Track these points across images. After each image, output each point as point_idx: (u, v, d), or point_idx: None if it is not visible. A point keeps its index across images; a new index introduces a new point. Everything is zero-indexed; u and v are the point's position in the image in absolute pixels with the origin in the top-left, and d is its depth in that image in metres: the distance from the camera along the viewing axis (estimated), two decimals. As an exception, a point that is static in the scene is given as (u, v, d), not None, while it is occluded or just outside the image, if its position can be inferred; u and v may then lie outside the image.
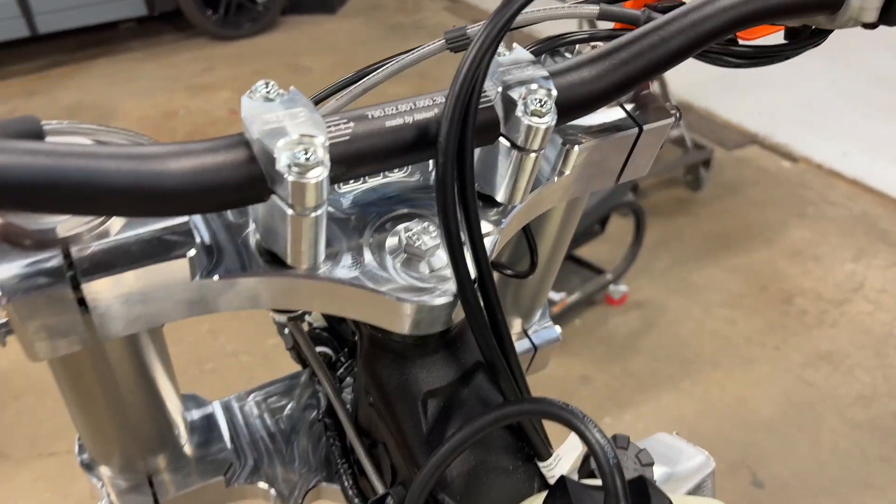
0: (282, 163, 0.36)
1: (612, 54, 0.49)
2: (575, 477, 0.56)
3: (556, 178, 0.56)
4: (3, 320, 0.41)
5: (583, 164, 0.56)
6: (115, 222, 0.40)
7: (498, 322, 0.49)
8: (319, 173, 0.36)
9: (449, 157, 0.43)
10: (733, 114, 3.90)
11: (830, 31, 0.62)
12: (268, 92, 0.39)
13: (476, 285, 0.47)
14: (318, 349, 0.72)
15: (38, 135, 0.35)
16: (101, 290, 0.39)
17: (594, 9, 0.55)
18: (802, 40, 0.63)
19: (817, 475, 2.10)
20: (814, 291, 2.77)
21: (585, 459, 0.57)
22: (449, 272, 0.47)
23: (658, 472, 0.61)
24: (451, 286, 0.47)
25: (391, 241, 0.48)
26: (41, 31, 4.15)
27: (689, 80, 3.79)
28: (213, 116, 3.77)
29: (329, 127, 0.41)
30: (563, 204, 0.67)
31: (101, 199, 0.32)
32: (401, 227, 0.49)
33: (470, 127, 0.43)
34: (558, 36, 0.58)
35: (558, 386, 2.31)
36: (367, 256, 0.47)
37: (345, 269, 0.46)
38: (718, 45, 0.56)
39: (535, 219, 0.62)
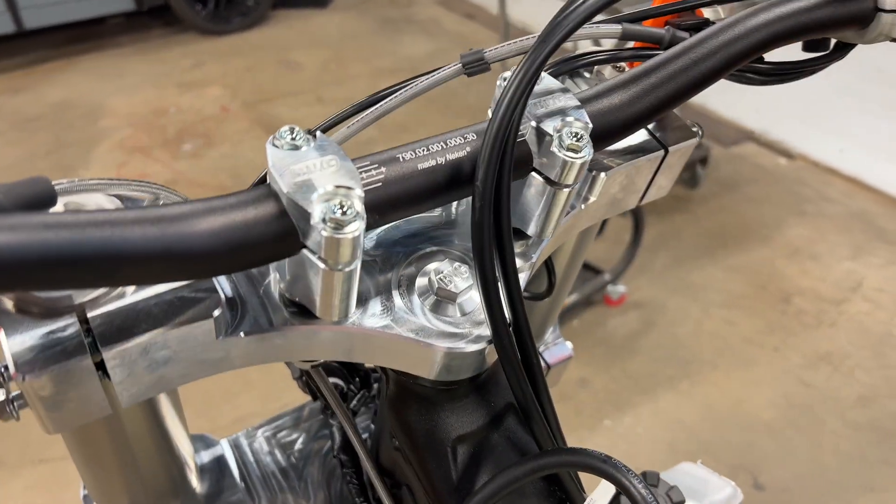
0: (316, 217, 0.33)
1: (642, 78, 0.46)
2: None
3: (582, 206, 0.54)
4: (16, 392, 0.38)
5: (609, 189, 0.55)
6: None
7: (532, 366, 0.47)
8: (356, 228, 0.33)
9: (486, 200, 0.40)
10: (729, 110, 3.89)
11: (854, 45, 0.60)
12: (293, 138, 0.36)
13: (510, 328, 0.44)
14: (330, 380, 0.70)
15: (51, 198, 0.32)
16: (123, 357, 0.36)
17: (616, 28, 0.52)
18: (827, 54, 0.60)
19: (818, 478, 2.10)
20: (812, 291, 2.77)
21: (614, 500, 0.55)
22: (482, 316, 0.44)
23: (689, 509, 0.60)
24: (485, 331, 0.44)
25: (420, 283, 0.46)
26: (27, 27, 4.08)
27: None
28: (204, 114, 3.72)
29: (360, 173, 0.39)
30: None
31: (128, 271, 0.30)
32: (430, 267, 0.46)
33: (507, 167, 0.41)
34: (577, 56, 0.55)
35: (558, 389, 2.29)
36: (397, 301, 0.45)
37: (374, 316, 0.43)
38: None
39: None
